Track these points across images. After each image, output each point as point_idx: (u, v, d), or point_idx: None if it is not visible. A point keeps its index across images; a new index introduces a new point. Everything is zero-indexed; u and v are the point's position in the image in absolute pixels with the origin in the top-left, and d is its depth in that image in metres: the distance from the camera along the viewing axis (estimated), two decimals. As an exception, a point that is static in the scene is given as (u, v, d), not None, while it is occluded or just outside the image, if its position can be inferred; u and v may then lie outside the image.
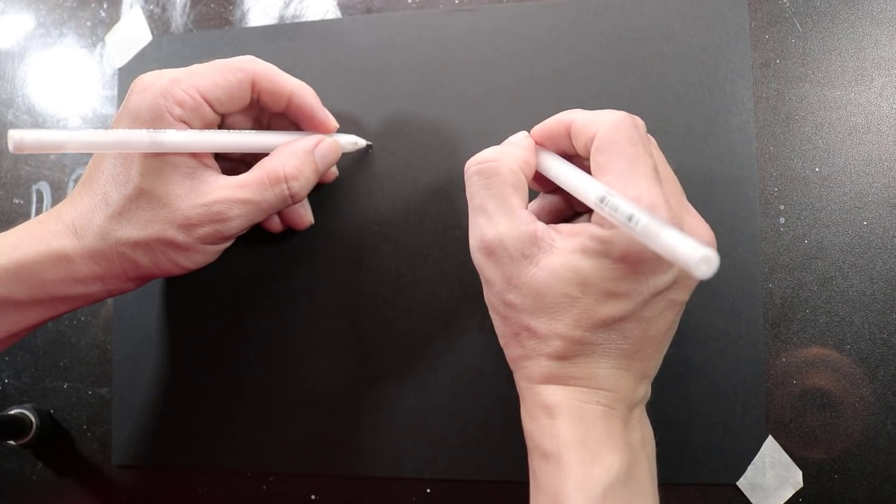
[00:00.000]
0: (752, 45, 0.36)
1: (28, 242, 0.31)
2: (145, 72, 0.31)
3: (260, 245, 0.39)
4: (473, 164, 0.30)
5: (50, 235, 0.31)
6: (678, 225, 0.25)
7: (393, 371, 0.38)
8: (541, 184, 0.32)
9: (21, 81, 0.45)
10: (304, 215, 0.38)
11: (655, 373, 0.29)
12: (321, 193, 0.39)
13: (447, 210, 0.38)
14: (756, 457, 0.34)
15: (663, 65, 0.36)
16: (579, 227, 0.27)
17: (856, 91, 0.35)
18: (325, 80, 0.39)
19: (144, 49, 0.42)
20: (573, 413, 0.27)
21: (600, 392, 0.27)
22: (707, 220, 0.28)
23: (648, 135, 0.30)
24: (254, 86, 0.33)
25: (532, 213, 0.29)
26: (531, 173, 0.30)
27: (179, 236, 0.31)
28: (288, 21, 0.41)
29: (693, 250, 0.21)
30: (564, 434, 0.26)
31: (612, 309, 0.26)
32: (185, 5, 0.43)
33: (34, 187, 0.44)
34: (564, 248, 0.27)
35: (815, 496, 0.34)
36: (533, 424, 0.28)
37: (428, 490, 0.37)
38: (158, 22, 0.43)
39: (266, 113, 0.36)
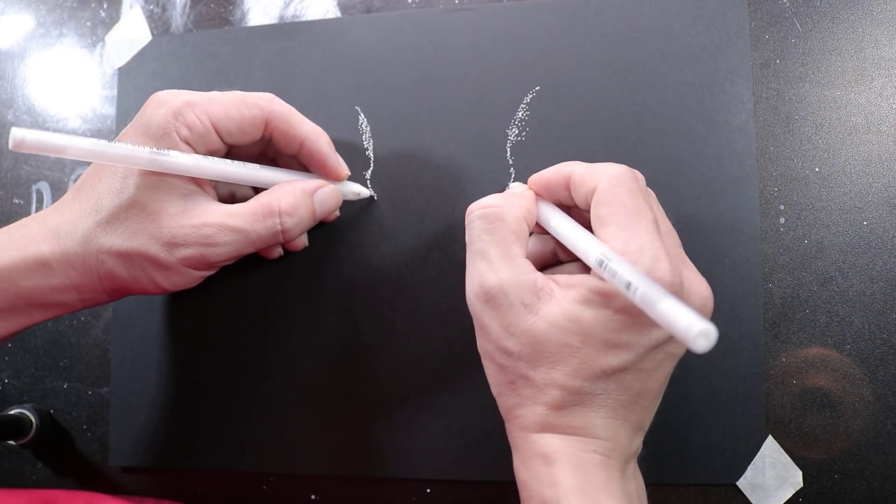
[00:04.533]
0: (752, 45, 0.36)
1: (6, 247, 0.30)
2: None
3: (260, 245, 0.39)
4: (477, 209, 0.30)
5: (29, 240, 0.30)
6: (678, 279, 0.25)
7: (393, 371, 0.37)
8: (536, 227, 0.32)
9: (21, 81, 0.45)
10: (299, 239, 0.37)
11: (648, 425, 0.29)
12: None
13: (447, 210, 0.38)
14: (756, 457, 0.34)
15: (663, 65, 0.36)
16: (578, 279, 0.27)
17: (856, 91, 0.35)
18: (325, 79, 0.39)
19: (144, 49, 0.42)
20: (571, 461, 0.26)
21: (597, 441, 0.27)
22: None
23: (648, 188, 0.30)
24: (267, 125, 0.33)
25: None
26: (533, 223, 0.30)
27: (162, 253, 0.31)
28: (288, 21, 0.41)
29: (692, 323, 0.20)
30: (564, 482, 0.26)
31: (612, 360, 0.26)
32: (185, 5, 0.43)
33: (34, 187, 0.44)
34: (563, 298, 0.27)
35: (815, 496, 0.34)
36: (529, 474, 0.27)
37: (428, 490, 0.37)
38: (158, 22, 0.43)
39: (273, 148, 0.36)
